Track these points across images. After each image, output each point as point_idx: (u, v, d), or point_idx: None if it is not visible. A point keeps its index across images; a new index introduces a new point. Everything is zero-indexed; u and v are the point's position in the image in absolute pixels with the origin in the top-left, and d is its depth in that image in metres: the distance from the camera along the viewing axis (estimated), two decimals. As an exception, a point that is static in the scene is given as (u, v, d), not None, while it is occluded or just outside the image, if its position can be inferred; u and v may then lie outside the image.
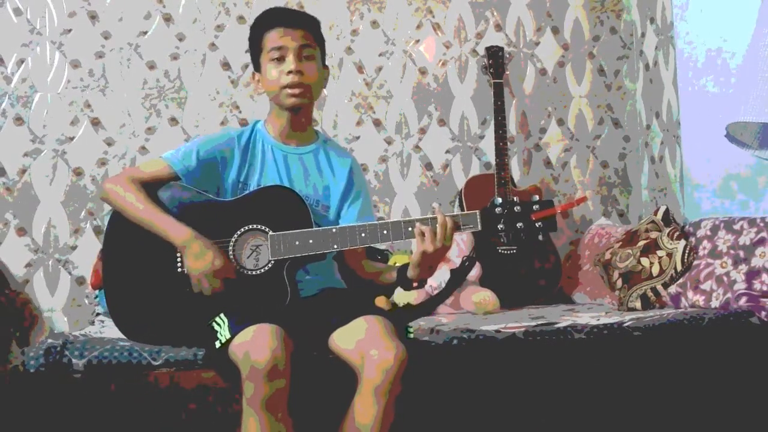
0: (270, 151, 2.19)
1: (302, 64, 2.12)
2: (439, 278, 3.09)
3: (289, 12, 2.23)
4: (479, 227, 2.01)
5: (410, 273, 2.05)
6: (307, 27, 2.17)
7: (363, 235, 2.02)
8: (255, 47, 2.19)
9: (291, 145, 2.21)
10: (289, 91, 2.12)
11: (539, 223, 2.01)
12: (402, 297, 3.09)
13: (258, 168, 2.18)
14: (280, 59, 2.12)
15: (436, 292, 3.05)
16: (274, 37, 2.13)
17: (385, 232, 2.01)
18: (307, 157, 2.22)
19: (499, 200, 2.02)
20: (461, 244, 3.16)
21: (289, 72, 2.10)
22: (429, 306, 2.96)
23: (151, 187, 2.12)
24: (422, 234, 1.98)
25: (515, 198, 2.04)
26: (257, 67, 2.20)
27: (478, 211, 2.02)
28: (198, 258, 2.01)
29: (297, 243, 2.03)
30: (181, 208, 2.11)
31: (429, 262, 2.01)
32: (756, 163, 2.89)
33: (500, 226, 2.01)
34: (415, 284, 2.08)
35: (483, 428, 2.22)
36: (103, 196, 2.17)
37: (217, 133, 2.30)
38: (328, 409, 1.93)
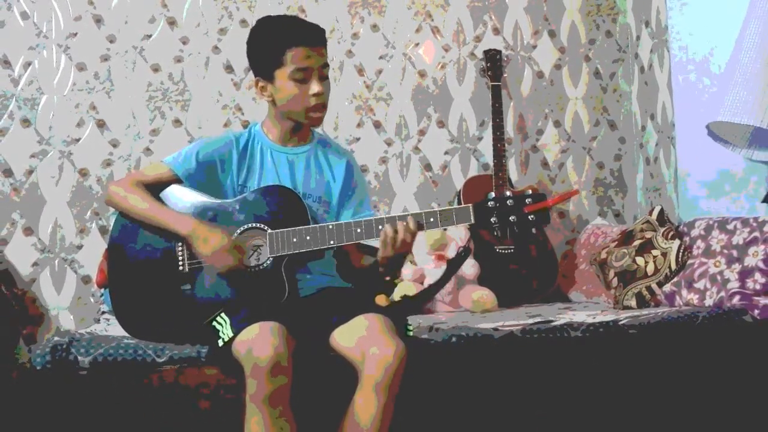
0: (269, 155, 2.22)
1: (323, 83, 2.14)
2: (436, 274, 3.12)
3: (312, 29, 2.17)
4: (472, 220, 2.03)
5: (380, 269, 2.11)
6: (325, 43, 2.17)
7: (359, 230, 2.05)
8: (272, 58, 2.13)
9: (289, 146, 2.24)
10: (314, 114, 2.15)
11: (532, 216, 2.01)
12: (400, 291, 3.13)
13: (257, 171, 2.21)
14: (304, 80, 2.12)
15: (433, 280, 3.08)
16: (299, 56, 2.10)
17: (380, 227, 2.04)
18: (306, 156, 2.25)
19: (492, 194, 2.04)
20: (458, 240, 3.20)
21: (314, 94, 2.12)
22: (427, 295, 2.99)
23: (153, 190, 2.16)
24: (383, 240, 2.03)
25: (508, 192, 2.05)
26: (268, 77, 2.15)
27: (471, 205, 2.04)
28: (207, 241, 2.05)
29: (294, 240, 2.07)
30: (182, 208, 2.14)
31: (392, 265, 2.07)
32: (748, 164, 2.92)
33: (493, 219, 2.02)
34: (386, 278, 2.17)
35: (481, 425, 2.24)
36: (108, 199, 2.21)
37: (216, 135, 2.33)
38: (330, 406, 1.95)
